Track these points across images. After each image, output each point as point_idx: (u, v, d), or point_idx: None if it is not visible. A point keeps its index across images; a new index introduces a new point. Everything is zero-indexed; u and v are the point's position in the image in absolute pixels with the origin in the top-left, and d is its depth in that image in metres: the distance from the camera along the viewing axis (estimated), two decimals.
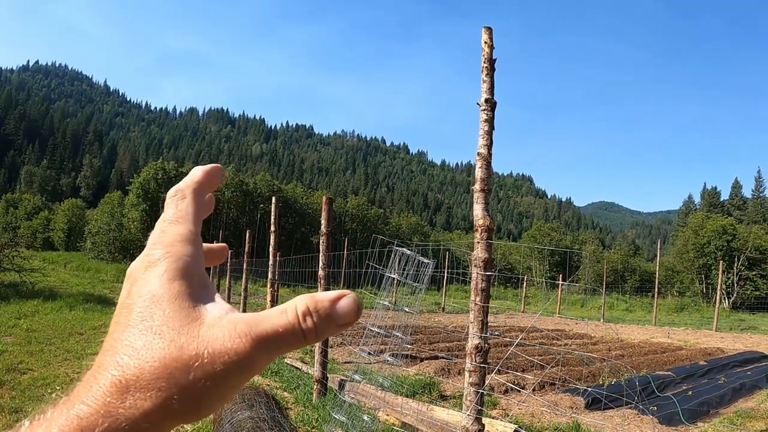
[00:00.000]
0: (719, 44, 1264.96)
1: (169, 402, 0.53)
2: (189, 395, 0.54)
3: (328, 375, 9.99)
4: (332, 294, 0.60)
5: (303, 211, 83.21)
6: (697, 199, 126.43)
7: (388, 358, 9.42)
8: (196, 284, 0.61)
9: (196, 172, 0.72)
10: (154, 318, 0.57)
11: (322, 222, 9.89)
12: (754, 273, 62.81)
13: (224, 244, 0.84)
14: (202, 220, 0.75)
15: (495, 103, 5.63)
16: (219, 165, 0.75)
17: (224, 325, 0.57)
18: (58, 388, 9.56)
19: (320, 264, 10.07)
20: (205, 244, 0.74)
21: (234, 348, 0.55)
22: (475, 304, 5.43)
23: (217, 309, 0.59)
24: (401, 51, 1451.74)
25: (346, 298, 0.60)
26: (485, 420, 6.23)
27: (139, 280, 0.61)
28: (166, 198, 0.71)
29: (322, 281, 10.05)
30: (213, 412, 0.58)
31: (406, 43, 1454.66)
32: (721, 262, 37.60)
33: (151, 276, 0.60)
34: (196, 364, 0.54)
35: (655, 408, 10.05)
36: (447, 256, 41.11)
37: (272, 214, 13.89)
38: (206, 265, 0.75)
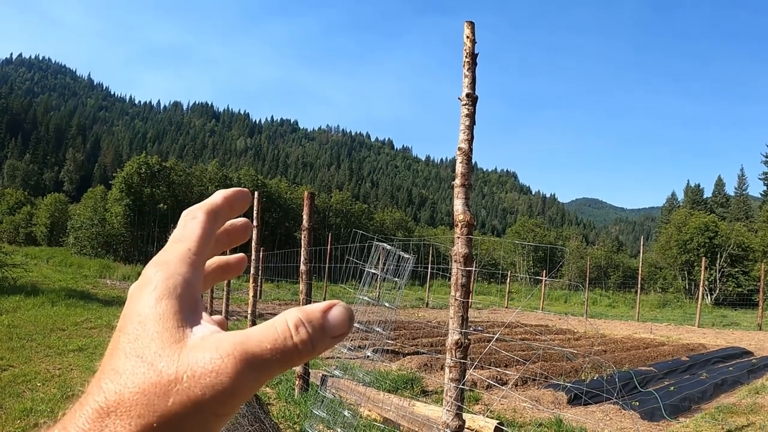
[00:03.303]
0: (702, 41, 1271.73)
1: (149, 430, 0.50)
2: (169, 422, 0.50)
3: (310, 370, 9.97)
4: (322, 304, 0.57)
5: (287, 206, 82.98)
6: (680, 196, 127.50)
7: (369, 354, 9.40)
8: (185, 305, 0.57)
9: (216, 196, 0.69)
10: (139, 340, 0.54)
11: (304, 217, 9.85)
12: (736, 270, 63.26)
13: (242, 255, 0.77)
14: (234, 246, 0.75)
15: (476, 97, 5.60)
16: (244, 189, 0.71)
17: (207, 346, 0.52)
18: (39, 384, 9.50)
19: (302, 259, 10.05)
20: (219, 258, 0.74)
21: (216, 369, 0.51)
22: (455, 299, 5.41)
23: (203, 330, 0.55)
24: (386, 45, 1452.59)
25: (336, 307, 0.57)
26: (468, 415, 6.22)
27: (132, 300, 0.58)
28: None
29: (304, 276, 10.02)
30: None
31: (391, 38, 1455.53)
32: (703, 258, 37.87)
33: (142, 296, 0.57)
34: (176, 388, 0.50)
35: (637, 403, 10.09)
36: (431, 252, 41.19)
37: (255, 209, 13.84)
38: (225, 278, 0.74)
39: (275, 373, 0.54)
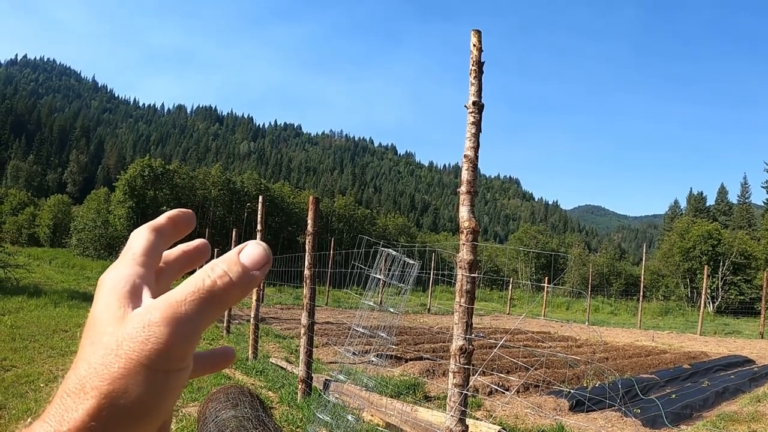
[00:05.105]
0: (704, 44, 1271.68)
1: (105, 397, 0.53)
2: (121, 387, 0.53)
3: (312, 375, 9.98)
4: (238, 246, 0.62)
5: (290, 211, 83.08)
6: (683, 204, 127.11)
7: (373, 359, 9.43)
8: (129, 293, 0.60)
9: (161, 216, 0.72)
10: (90, 330, 0.58)
11: (309, 222, 9.88)
12: (738, 278, 63.00)
13: (201, 241, 0.77)
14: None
15: (482, 105, 5.63)
16: (188, 211, 0.74)
17: (140, 312, 0.57)
18: (42, 385, 9.52)
19: (306, 263, 10.07)
20: (180, 246, 0.74)
21: (146, 325, 0.55)
22: (460, 305, 5.43)
23: (145, 304, 0.59)
24: (390, 51, 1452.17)
25: (250, 244, 0.63)
26: (469, 421, 6.24)
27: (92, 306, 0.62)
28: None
29: (308, 281, 10.04)
30: (155, 402, 0.56)
31: (394, 42, 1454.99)
32: (706, 266, 37.72)
33: (95, 299, 0.61)
34: (117, 353, 0.54)
35: (639, 410, 10.09)
36: (433, 258, 41.16)
37: (259, 213, 13.87)
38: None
39: (205, 315, 0.58)
